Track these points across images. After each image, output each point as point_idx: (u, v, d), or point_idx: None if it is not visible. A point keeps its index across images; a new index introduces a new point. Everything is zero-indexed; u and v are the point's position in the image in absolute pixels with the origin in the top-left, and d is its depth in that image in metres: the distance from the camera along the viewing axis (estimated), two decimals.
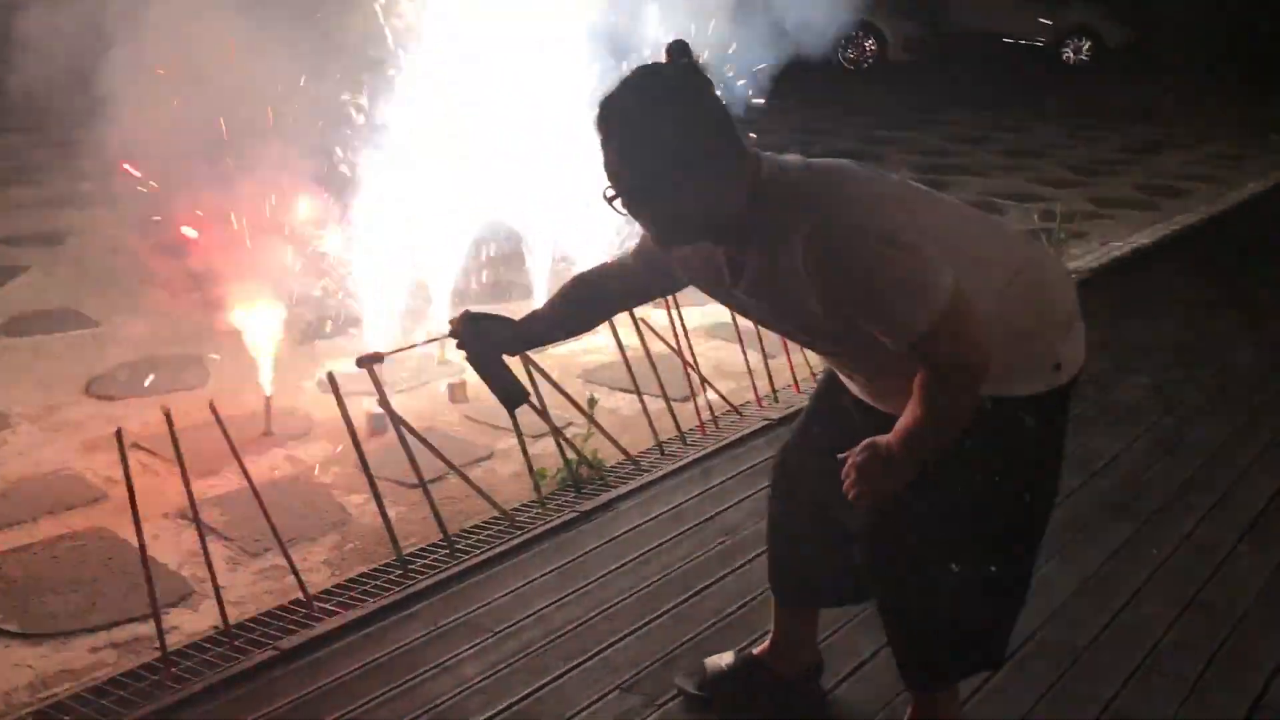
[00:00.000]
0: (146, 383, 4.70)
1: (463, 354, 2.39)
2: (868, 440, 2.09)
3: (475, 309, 2.43)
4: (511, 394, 2.40)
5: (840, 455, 2.13)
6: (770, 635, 2.69)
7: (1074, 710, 2.64)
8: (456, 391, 4.67)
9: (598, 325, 2.71)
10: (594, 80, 4.56)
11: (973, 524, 2.21)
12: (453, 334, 2.39)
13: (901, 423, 2.05)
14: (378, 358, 2.60)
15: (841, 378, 2.34)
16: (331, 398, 3.38)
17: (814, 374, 4.87)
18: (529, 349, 2.53)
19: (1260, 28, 17.22)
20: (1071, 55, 19.07)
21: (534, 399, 3.78)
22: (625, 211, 2.03)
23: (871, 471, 2.08)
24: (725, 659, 2.70)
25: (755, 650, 2.71)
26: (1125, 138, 12.28)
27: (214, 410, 3.17)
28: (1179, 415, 4.47)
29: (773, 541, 2.62)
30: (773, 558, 2.63)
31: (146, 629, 2.96)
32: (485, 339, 2.37)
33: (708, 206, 2.01)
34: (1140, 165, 10.80)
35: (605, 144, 1.99)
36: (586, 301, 2.47)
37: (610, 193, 2.01)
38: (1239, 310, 5.94)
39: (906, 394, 2.04)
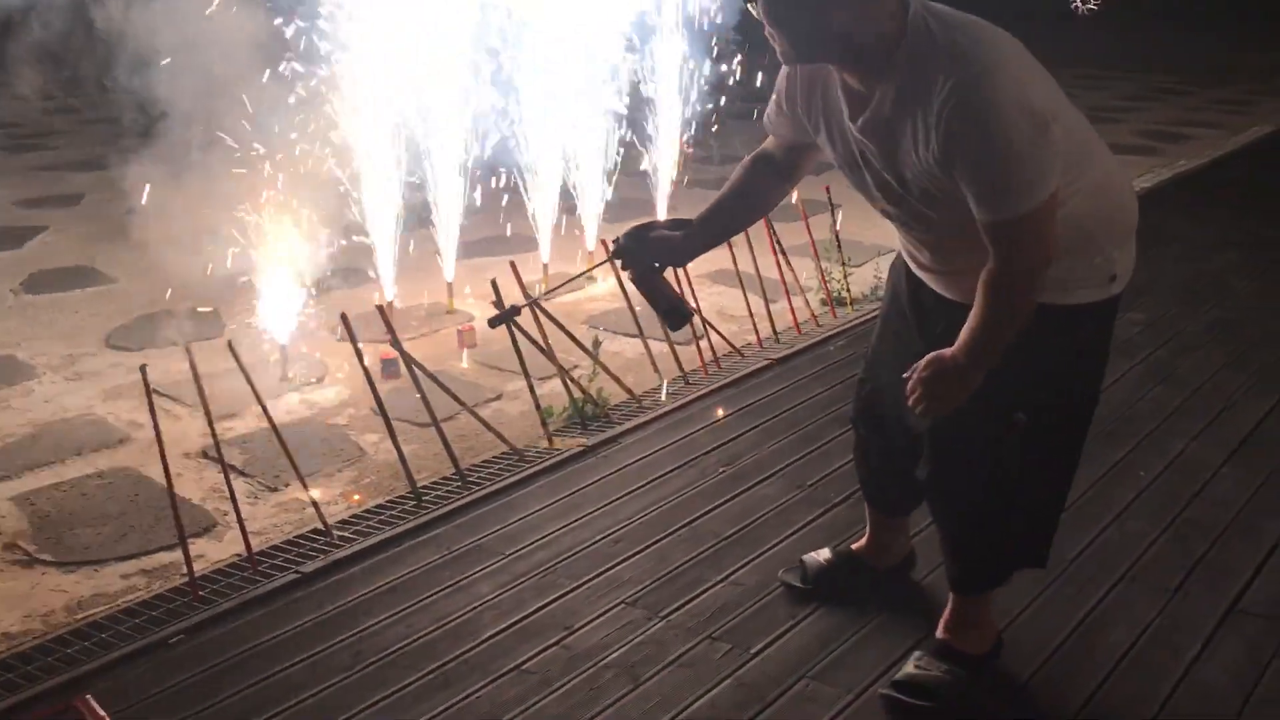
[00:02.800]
0: (163, 334, 4.83)
1: (627, 273, 2.47)
2: (932, 354, 2.19)
3: (640, 223, 2.47)
4: (676, 312, 2.43)
5: (905, 375, 2.24)
6: (866, 532, 2.87)
7: (1059, 617, 2.76)
8: (465, 337, 4.79)
9: (762, 216, 2.69)
10: None
11: (1024, 429, 2.29)
12: (617, 254, 2.45)
13: (964, 333, 2.14)
14: (515, 311, 2.57)
15: (910, 256, 2.40)
16: (344, 345, 3.51)
17: (814, 316, 4.99)
18: (699, 255, 2.51)
19: None
20: (1080, 5, 18.96)
21: (541, 342, 3.90)
22: (764, 18, 2.05)
23: (936, 383, 2.18)
24: (824, 554, 2.88)
25: (853, 545, 2.90)
26: (1130, 85, 12.26)
27: (232, 350, 3.30)
28: (1173, 348, 4.57)
29: (861, 461, 2.78)
30: (862, 474, 2.80)
31: (174, 557, 3.11)
32: (648, 257, 2.43)
33: (847, 27, 2.00)
34: (1144, 112, 10.80)
35: None
36: (748, 195, 2.51)
37: None
38: (1238, 249, 6.02)
39: (972, 275, 2.12)
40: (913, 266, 2.43)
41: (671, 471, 3.56)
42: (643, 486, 3.46)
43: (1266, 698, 2.48)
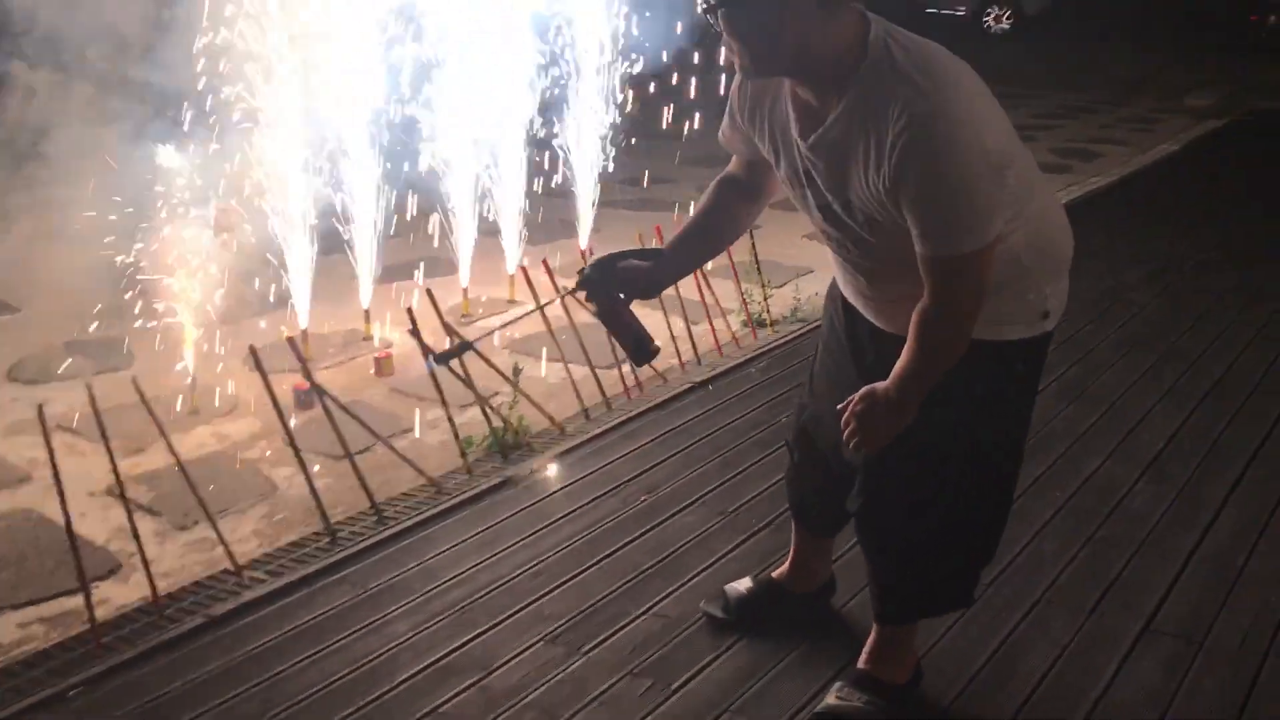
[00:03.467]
0: (69, 366, 4.68)
1: (592, 306, 2.37)
2: (866, 389, 2.17)
3: (610, 253, 2.37)
4: (642, 348, 2.35)
5: (839, 406, 2.22)
6: (789, 557, 2.84)
7: (977, 642, 2.77)
8: (382, 365, 4.71)
9: (735, 239, 2.57)
10: None
11: (958, 465, 2.31)
12: (581, 285, 2.35)
13: (897, 367, 2.12)
14: (466, 346, 2.40)
15: (846, 283, 2.37)
16: (257, 374, 3.42)
17: (736, 338, 4.99)
18: (669, 286, 2.46)
19: None
20: (992, 24, 19.35)
21: (460, 370, 3.84)
22: (723, 30, 2.02)
23: (870, 418, 2.16)
24: (744, 584, 2.86)
25: (773, 574, 2.88)
26: (1041, 104, 12.50)
27: (136, 387, 3.20)
28: (1086, 366, 4.64)
29: (793, 482, 2.77)
30: (793, 496, 2.78)
31: (76, 603, 2.99)
32: (615, 288, 2.35)
33: (806, 41, 1.99)
34: (1055, 130, 11.02)
35: None
36: (718, 220, 2.45)
37: (709, 3, 2.00)
38: (1147, 266, 6.15)
39: (907, 304, 2.11)
40: (848, 294, 2.40)
41: (593, 501, 3.52)
42: (563, 517, 3.41)
43: (1180, 717, 2.51)
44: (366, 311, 5.18)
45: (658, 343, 2.38)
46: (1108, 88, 13.62)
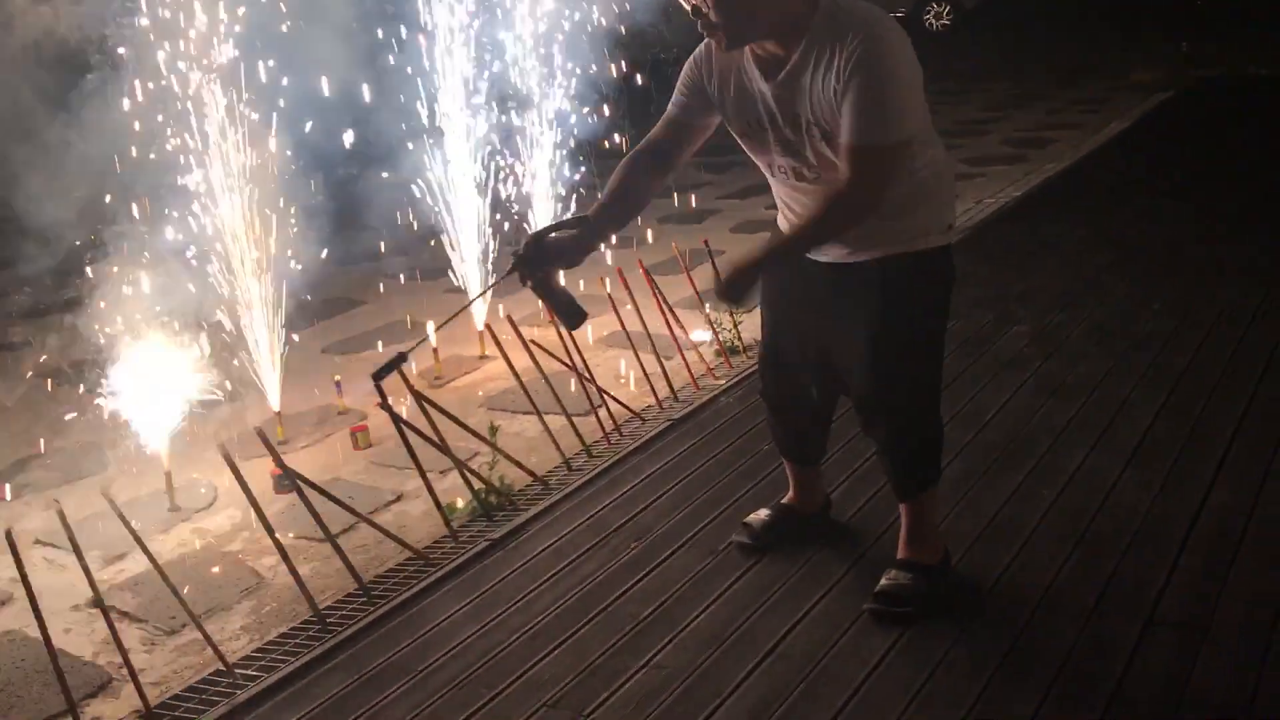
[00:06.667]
0: (43, 478, 4.62)
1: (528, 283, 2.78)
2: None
3: (539, 229, 2.81)
4: (572, 313, 2.77)
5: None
6: (791, 488, 3.41)
7: (982, 650, 2.75)
8: (359, 438, 4.66)
9: (646, 205, 3.00)
10: None
11: (918, 349, 2.86)
12: (517, 264, 2.76)
13: (784, 234, 2.71)
14: (399, 360, 2.88)
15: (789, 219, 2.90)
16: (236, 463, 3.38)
17: (710, 369, 4.97)
18: (592, 252, 2.83)
19: None
20: (933, 21, 19.52)
21: (434, 434, 3.81)
22: (711, 10, 2.53)
23: (733, 270, 2.66)
24: (764, 513, 3.39)
25: (783, 500, 3.43)
26: (988, 97, 12.58)
27: (107, 497, 3.16)
28: (1060, 358, 4.63)
29: (773, 422, 3.34)
30: (781, 443, 3.36)
31: None
32: (545, 262, 2.76)
33: (777, 6, 2.55)
34: (1006, 121, 11.08)
35: None
36: (630, 186, 2.88)
37: None
38: (1111, 248, 6.16)
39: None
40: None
41: (583, 554, 3.48)
42: (554, 575, 3.37)
43: (1192, 706, 2.49)
44: (338, 384, 5.14)
45: (590, 314, 2.85)
46: (1053, 73, 13.72)
